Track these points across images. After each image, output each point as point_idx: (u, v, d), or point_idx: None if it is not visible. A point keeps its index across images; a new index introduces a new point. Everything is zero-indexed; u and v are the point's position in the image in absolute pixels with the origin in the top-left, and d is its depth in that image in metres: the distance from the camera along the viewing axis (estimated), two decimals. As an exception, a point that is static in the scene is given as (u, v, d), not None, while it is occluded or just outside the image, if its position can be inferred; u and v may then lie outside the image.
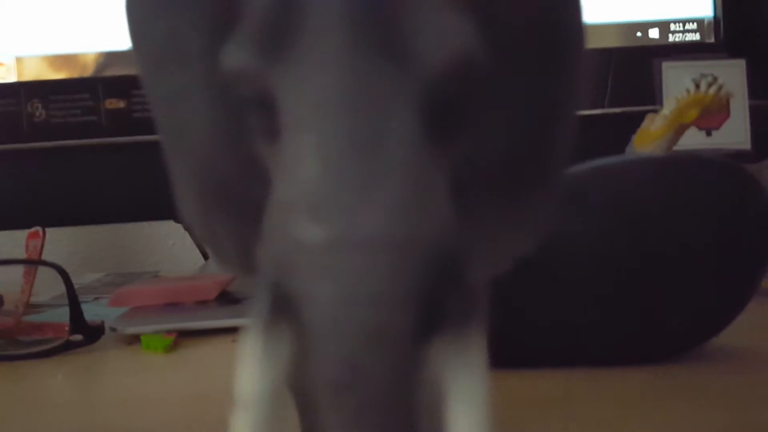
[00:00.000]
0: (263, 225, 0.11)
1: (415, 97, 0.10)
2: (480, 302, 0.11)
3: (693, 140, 0.38)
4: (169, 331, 0.35)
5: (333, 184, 0.10)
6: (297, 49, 0.10)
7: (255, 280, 0.11)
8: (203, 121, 0.13)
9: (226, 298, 0.39)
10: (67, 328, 0.35)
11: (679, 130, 0.31)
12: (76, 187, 0.47)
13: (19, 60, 0.46)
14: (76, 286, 0.36)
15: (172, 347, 0.34)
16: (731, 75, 0.39)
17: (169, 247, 0.64)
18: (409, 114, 0.10)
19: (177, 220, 0.54)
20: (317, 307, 0.10)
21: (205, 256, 0.54)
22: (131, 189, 0.47)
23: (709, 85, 0.30)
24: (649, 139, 0.31)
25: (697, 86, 0.30)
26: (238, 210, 0.13)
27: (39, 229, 0.39)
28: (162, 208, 0.51)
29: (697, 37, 0.47)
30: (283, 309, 0.11)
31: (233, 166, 0.13)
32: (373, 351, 0.10)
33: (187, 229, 0.53)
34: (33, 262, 0.39)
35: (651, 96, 0.44)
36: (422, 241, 0.10)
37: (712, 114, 0.31)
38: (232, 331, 0.35)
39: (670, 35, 0.46)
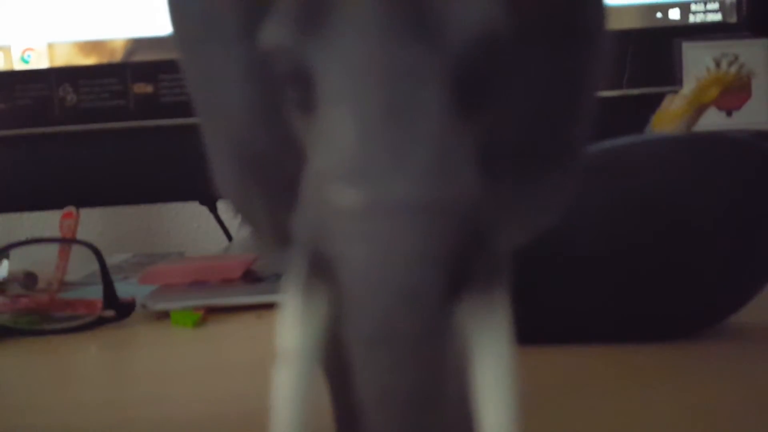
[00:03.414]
0: (299, 194, 0.12)
1: (445, 70, 0.11)
2: (504, 269, 0.12)
3: (713, 120, 0.38)
4: (197, 308, 0.36)
5: (368, 152, 0.11)
6: (333, 25, 0.11)
7: (290, 248, 0.12)
8: (240, 98, 0.14)
9: (251, 277, 0.40)
10: (99, 305, 0.36)
11: (700, 110, 0.31)
12: (104, 169, 0.48)
13: (50, 46, 0.47)
14: (106, 265, 0.37)
15: (200, 323, 0.35)
16: (753, 55, 0.39)
17: (194, 229, 0.65)
18: (439, 86, 0.11)
19: (202, 202, 0.55)
20: (353, 269, 0.11)
21: (229, 238, 0.55)
22: (158, 171, 0.48)
23: (730, 64, 0.30)
24: (668, 119, 0.31)
25: (718, 65, 0.30)
26: (273, 183, 0.14)
27: (73, 209, 0.40)
28: (187, 190, 0.52)
29: (718, 17, 0.46)
30: (320, 271, 0.11)
31: (269, 140, 0.14)
32: (406, 309, 0.11)
33: (212, 211, 0.54)
34: (67, 241, 0.40)
35: (671, 77, 0.44)
36: (450, 205, 0.11)
37: (733, 93, 0.31)
38: (257, 307, 0.37)
39: (691, 16, 0.46)
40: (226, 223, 0.55)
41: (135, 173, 0.48)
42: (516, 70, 0.12)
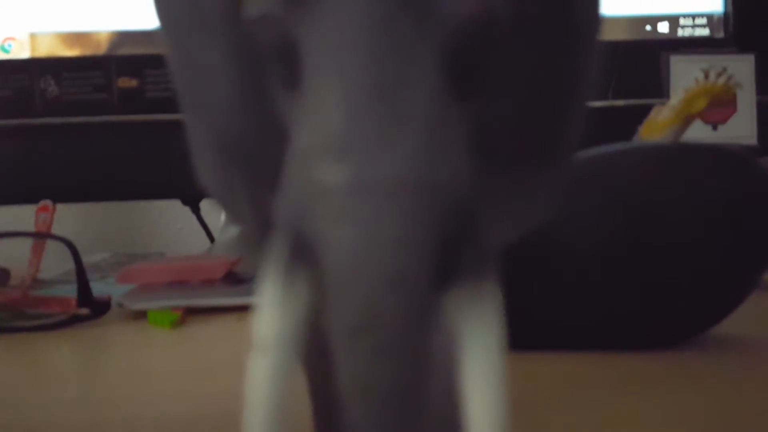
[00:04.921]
0: (282, 176, 0.11)
1: (438, 48, 0.10)
2: (494, 262, 0.12)
3: (699, 134, 0.39)
4: (175, 308, 0.35)
5: (354, 128, 0.10)
6: None
7: (271, 234, 0.12)
8: (224, 80, 0.13)
9: (232, 278, 0.40)
10: (74, 302, 0.35)
11: (687, 121, 0.31)
12: (85, 163, 0.48)
13: (32, 36, 0.46)
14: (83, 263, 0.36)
15: (178, 323, 0.35)
16: (740, 70, 0.39)
17: (177, 230, 0.64)
18: (431, 63, 0.10)
19: (184, 202, 0.54)
20: (337, 251, 0.10)
21: (212, 239, 0.54)
22: (140, 167, 0.48)
23: (718, 76, 0.31)
24: (656, 129, 0.32)
25: (706, 76, 0.31)
26: (256, 168, 0.14)
27: (48, 202, 0.39)
28: (169, 189, 0.52)
29: (706, 32, 0.47)
30: (301, 255, 0.11)
31: (252, 124, 0.13)
32: (391, 295, 0.10)
33: (194, 211, 0.54)
34: (41, 236, 0.39)
35: (659, 90, 0.44)
36: (440, 186, 0.10)
37: (720, 106, 0.31)
38: (238, 309, 0.36)
39: (680, 29, 0.47)
40: (209, 225, 0.54)
41: (116, 169, 0.48)
42: (512, 56, 0.12)
